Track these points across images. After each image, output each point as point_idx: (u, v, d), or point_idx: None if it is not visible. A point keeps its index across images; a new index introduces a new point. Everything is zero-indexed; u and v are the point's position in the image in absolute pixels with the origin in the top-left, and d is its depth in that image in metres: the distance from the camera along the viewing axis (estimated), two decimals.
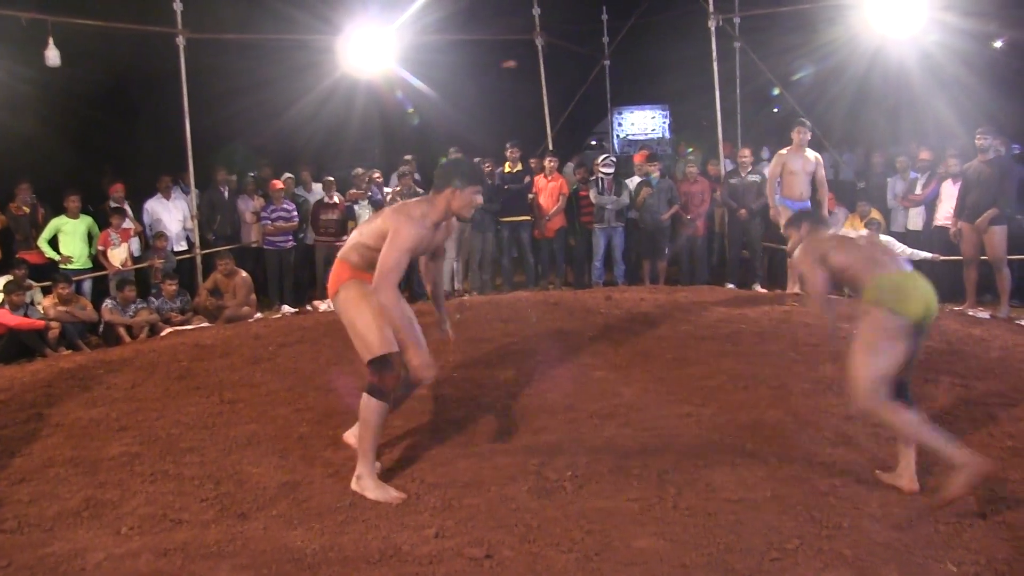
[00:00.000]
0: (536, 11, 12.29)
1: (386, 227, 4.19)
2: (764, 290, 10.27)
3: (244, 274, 10.02)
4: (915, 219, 10.34)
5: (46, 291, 9.29)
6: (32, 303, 8.97)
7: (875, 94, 12.43)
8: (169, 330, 9.28)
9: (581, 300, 8.79)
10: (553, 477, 4.29)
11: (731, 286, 10.51)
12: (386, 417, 4.35)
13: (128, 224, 10.36)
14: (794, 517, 3.75)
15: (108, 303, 9.24)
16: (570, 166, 12.40)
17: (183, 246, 10.91)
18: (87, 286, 9.96)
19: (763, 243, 11.00)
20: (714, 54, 11.78)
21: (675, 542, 3.54)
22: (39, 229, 9.84)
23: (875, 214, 10.37)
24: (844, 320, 5.43)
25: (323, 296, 10.48)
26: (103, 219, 10.36)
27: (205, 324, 9.53)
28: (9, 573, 3.58)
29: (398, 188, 10.96)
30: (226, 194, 11.31)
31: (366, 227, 4.43)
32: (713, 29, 11.73)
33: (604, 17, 14.22)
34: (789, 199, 9.04)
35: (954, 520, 3.70)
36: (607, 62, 14.38)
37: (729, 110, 12.32)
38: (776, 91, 13.71)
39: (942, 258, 9.49)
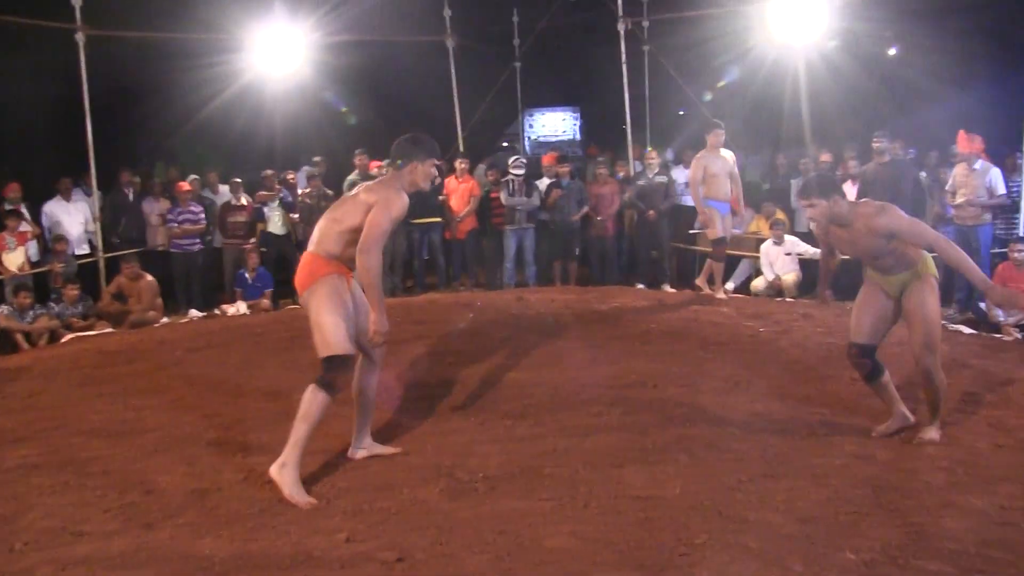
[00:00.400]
0: (447, 13, 12.28)
1: (370, 199, 4.37)
2: (673, 290, 10.47)
3: (150, 278, 9.79)
4: None
5: None
6: None
7: (779, 97, 12.74)
8: (71, 336, 9.00)
9: (492, 301, 8.84)
10: (465, 478, 4.31)
11: (641, 286, 10.67)
12: (323, 411, 4.36)
13: (25, 227, 9.98)
14: (702, 512, 3.83)
15: (3, 309, 8.92)
16: (481, 168, 12.43)
17: (85, 249, 10.56)
18: None
19: (671, 243, 11.22)
20: (623, 57, 11.94)
21: (586, 540, 3.58)
22: None
23: (780, 215, 10.65)
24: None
25: (232, 299, 10.32)
26: None
27: (109, 330, 9.27)
28: None
29: (307, 190, 10.85)
30: (131, 196, 11.03)
31: (340, 212, 4.49)
32: (622, 32, 11.89)
33: (515, 19, 14.30)
34: (713, 200, 9.19)
35: (853, 511, 3.82)
36: (518, 64, 14.46)
37: (638, 113, 12.52)
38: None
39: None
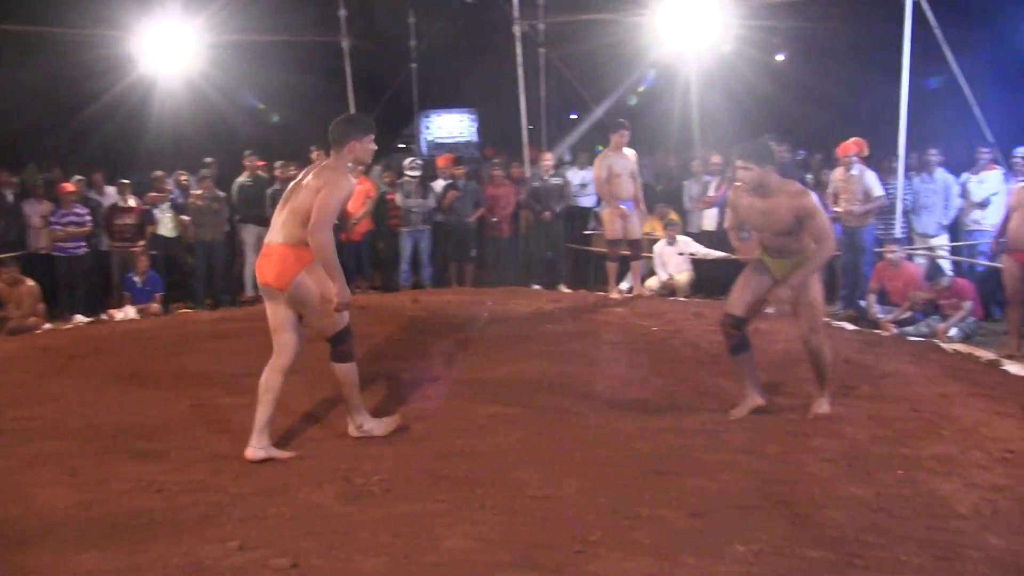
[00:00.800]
0: (342, 13, 12.15)
1: (318, 184, 4.61)
2: (569, 290, 10.58)
3: (30, 282, 9.42)
4: (709, 220, 10.81)
5: None
6: None
7: (671, 100, 13.02)
8: None
9: (388, 303, 8.78)
10: (360, 482, 4.27)
11: (536, 287, 10.75)
12: (357, 373, 4.90)
13: None
14: (597, 510, 3.88)
15: None
16: (377, 169, 12.33)
17: None
18: None
19: (566, 244, 11.34)
20: (519, 59, 12.01)
21: (483, 541, 3.59)
22: None
23: (673, 216, 10.86)
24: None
25: (119, 304, 10.01)
26: None
27: None
28: None
29: (199, 191, 10.62)
30: (10, 197, 10.59)
31: (296, 202, 4.66)
32: (518, 35, 11.96)
33: (411, 20, 14.26)
34: (617, 199, 9.27)
35: (742, 504, 3.93)
36: (414, 65, 14.42)
37: (534, 115, 12.61)
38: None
39: (735, 257, 10.03)
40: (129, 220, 10.43)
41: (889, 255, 8.76)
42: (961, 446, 4.74)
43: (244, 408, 5.59)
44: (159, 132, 13.30)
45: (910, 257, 9.12)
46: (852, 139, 9.32)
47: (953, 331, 7.94)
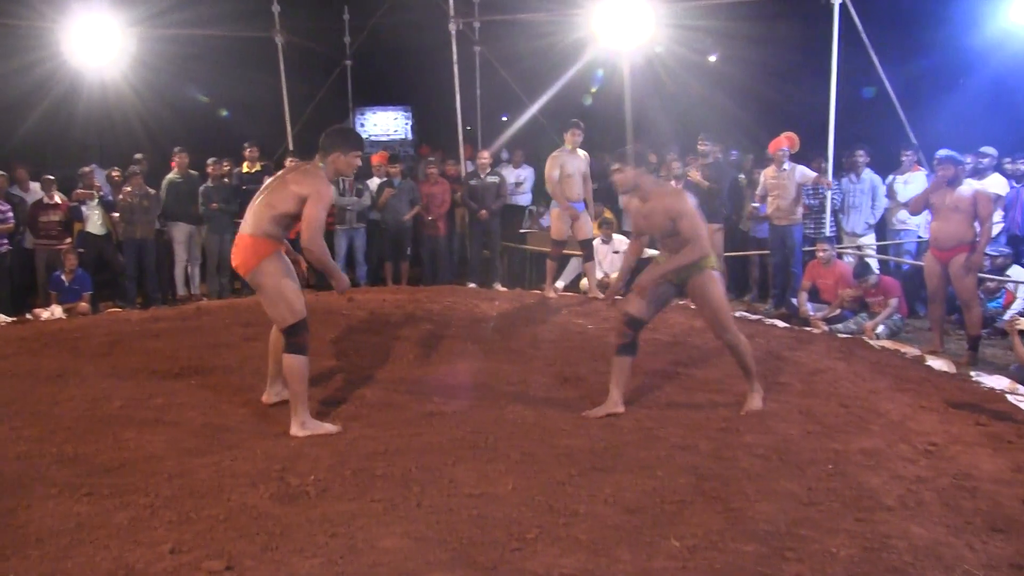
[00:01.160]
0: (276, 8, 11.98)
1: (302, 191, 4.88)
2: (504, 288, 10.60)
3: None
4: None
5: None
6: None
7: (605, 100, 13.12)
8: None
9: (323, 302, 8.71)
10: (295, 482, 4.23)
11: (473, 285, 10.76)
12: (308, 368, 5.08)
13: None
14: (533, 508, 3.90)
15: None
16: None
17: None
18: None
19: (503, 242, 11.36)
20: (454, 57, 12.00)
21: (420, 540, 3.58)
22: None
23: (608, 214, 10.95)
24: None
25: (45, 303, 9.77)
26: None
27: None
28: None
29: (128, 188, 10.41)
30: None
31: (273, 198, 4.99)
32: (453, 33, 11.95)
33: (346, 17, 14.16)
34: (568, 200, 9.27)
35: (677, 499, 3.99)
36: (349, 62, 14.32)
37: (470, 113, 12.61)
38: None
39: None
40: (55, 217, 10.20)
41: (820, 254, 8.94)
42: (888, 440, 4.89)
43: (176, 408, 5.53)
44: (86, 127, 13.02)
45: (840, 256, 9.32)
46: (784, 134, 9.49)
47: (880, 328, 8.14)
